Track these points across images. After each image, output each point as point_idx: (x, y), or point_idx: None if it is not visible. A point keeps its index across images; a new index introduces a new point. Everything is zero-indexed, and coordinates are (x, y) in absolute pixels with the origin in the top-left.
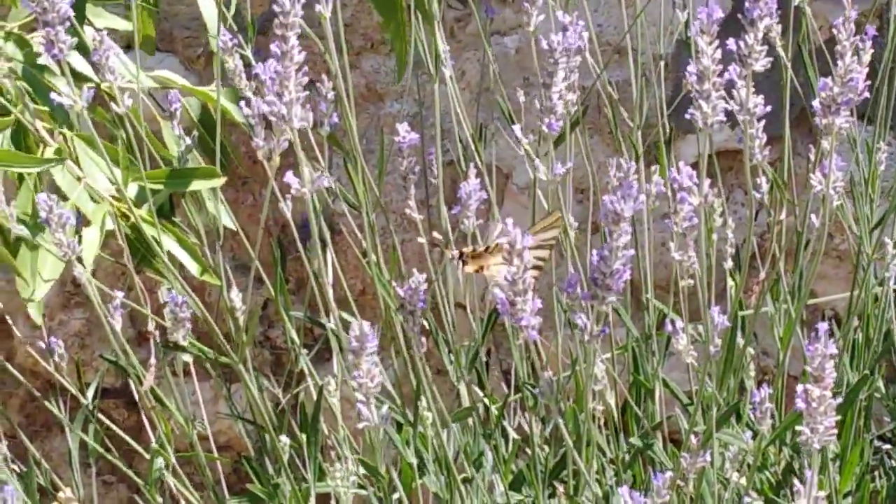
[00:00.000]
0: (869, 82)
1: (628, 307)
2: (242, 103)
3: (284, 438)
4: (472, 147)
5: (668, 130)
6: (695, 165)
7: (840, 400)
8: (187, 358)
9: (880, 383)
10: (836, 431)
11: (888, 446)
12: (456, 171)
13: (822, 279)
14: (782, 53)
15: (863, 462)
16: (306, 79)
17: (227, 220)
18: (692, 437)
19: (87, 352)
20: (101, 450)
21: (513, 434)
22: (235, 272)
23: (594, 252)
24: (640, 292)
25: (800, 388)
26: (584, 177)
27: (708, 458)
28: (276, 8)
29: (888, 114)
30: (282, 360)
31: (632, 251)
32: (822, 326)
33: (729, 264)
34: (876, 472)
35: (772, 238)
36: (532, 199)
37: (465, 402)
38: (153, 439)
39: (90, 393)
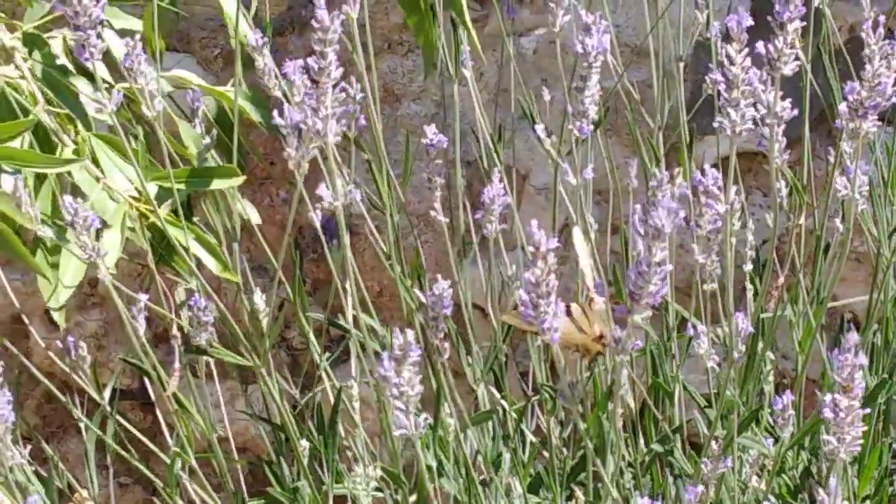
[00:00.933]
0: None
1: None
2: (276, 112)
3: (304, 442)
4: (492, 148)
5: (689, 132)
6: (715, 167)
7: (868, 410)
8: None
9: None
10: (861, 441)
11: None
12: (474, 173)
13: (840, 282)
14: (802, 56)
15: (881, 466)
16: (343, 94)
17: (253, 214)
18: (713, 442)
19: (104, 353)
20: (119, 450)
21: (531, 437)
22: (252, 273)
23: (630, 268)
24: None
25: (827, 397)
26: (602, 178)
27: (729, 463)
28: (314, 24)
29: None
30: (298, 361)
31: (670, 266)
32: (853, 337)
33: (748, 267)
34: (894, 477)
35: (790, 241)
36: (553, 200)
37: (483, 405)
38: (170, 441)
39: (107, 393)
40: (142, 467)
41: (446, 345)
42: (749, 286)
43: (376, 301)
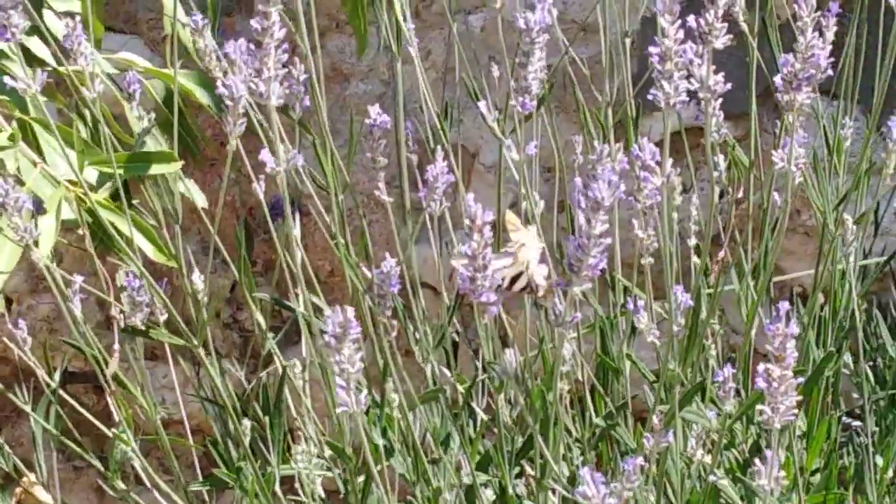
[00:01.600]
0: (833, 59)
1: (595, 286)
2: (219, 83)
3: (246, 421)
4: (438, 126)
5: (635, 107)
6: (661, 143)
7: (802, 379)
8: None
9: (848, 359)
10: (797, 411)
11: (857, 423)
12: (424, 151)
13: (789, 255)
14: (746, 29)
15: (830, 439)
16: (286, 56)
17: (198, 197)
18: (654, 417)
19: (56, 336)
20: (57, 433)
21: (481, 415)
22: (203, 254)
23: (571, 239)
24: (609, 270)
25: (761, 367)
26: (550, 155)
27: (671, 437)
28: None
29: (854, 89)
30: (251, 343)
31: (609, 239)
32: (784, 305)
33: (692, 241)
34: (844, 450)
35: (729, 215)
36: (498, 178)
37: (432, 384)
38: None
39: (56, 377)
40: (84, 451)
41: (394, 322)
42: (695, 259)
43: (328, 281)
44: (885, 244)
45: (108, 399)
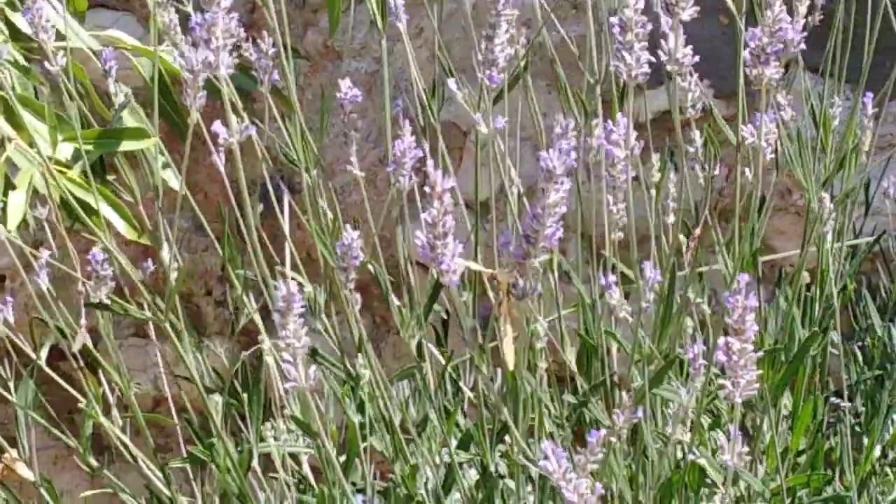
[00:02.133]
0: (805, 34)
1: (579, 267)
2: (175, 55)
3: (217, 397)
4: (426, 104)
5: (622, 87)
6: (653, 121)
7: (761, 353)
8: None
9: (837, 339)
10: (757, 385)
11: (847, 404)
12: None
13: (780, 235)
14: (732, 5)
15: (816, 420)
16: (234, 23)
17: (173, 181)
18: (624, 393)
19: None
20: (28, 409)
21: (469, 393)
22: (195, 232)
23: (526, 211)
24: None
25: (720, 340)
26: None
27: (640, 413)
28: None
29: (842, 67)
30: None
31: (563, 208)
32: (743, 278)
33: (671, 219)
34: (831, 431)
35: (706, 194)
36: (476, 155)
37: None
38: (111, 400)
39: (42, 354)
40: (57, 429)
41: (357, 296)
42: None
43: (319, 259)
44: (876, 224)
45: (101, 375)
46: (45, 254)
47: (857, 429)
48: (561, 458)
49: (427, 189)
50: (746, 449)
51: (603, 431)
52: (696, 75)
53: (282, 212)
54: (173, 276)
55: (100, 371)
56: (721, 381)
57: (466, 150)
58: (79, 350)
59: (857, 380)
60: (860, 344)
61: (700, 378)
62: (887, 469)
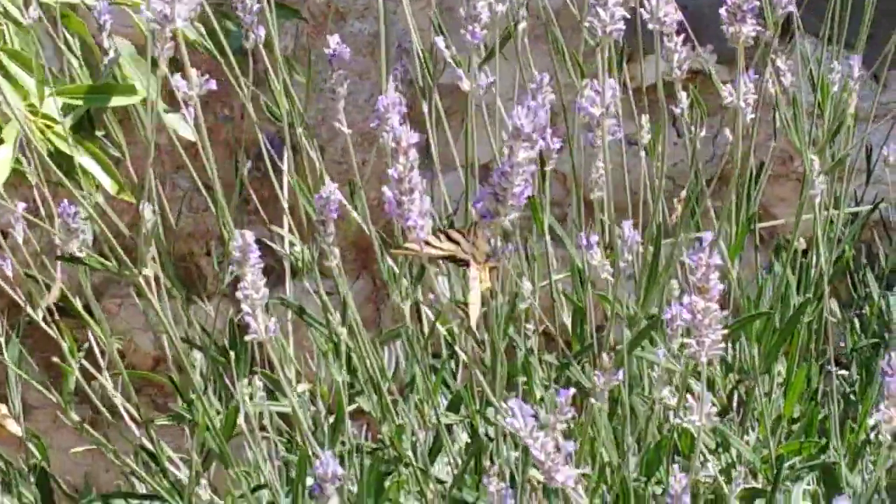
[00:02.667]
0: None
1: (573, 230)
2: (142, 6)
3: (197, 354)
4: (424, 64)
5: (622, 49)
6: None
7: (727, 312)
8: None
9: (835, 306)
10: (723, 345)
11: (844, 371)
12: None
13: (780, 202)
14: None
15: (810, 388)
16: None
17: (185, 129)
18: (604, 355)
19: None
20: (17, 369)
21: (463, 356)
22: (197, 192)
23: (495, 169)
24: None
25: (685, 299)
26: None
27: (620, 376)
28: None
29: (843, 32)
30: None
31: (533, 167)
32: (707, 235)
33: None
34: (826, 399)
35: (692, 159)
36: (470, 115)
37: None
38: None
39: (40, 311)
40: (41, 388)
41: (335, 250)
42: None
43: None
44: (877, 192)
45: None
46: (20, 206)
47: (853, 397)
48: (528, 415)
49: (392, 144)
50: (715, 409)
51: (571, 391)
52: (682, 36)
53: (279, 172)
54: (148, 226)
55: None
56: (686, 340)
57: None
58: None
59: (852, 348)
60: (858, 312)
61: (678, 339)
62: (883, 438)
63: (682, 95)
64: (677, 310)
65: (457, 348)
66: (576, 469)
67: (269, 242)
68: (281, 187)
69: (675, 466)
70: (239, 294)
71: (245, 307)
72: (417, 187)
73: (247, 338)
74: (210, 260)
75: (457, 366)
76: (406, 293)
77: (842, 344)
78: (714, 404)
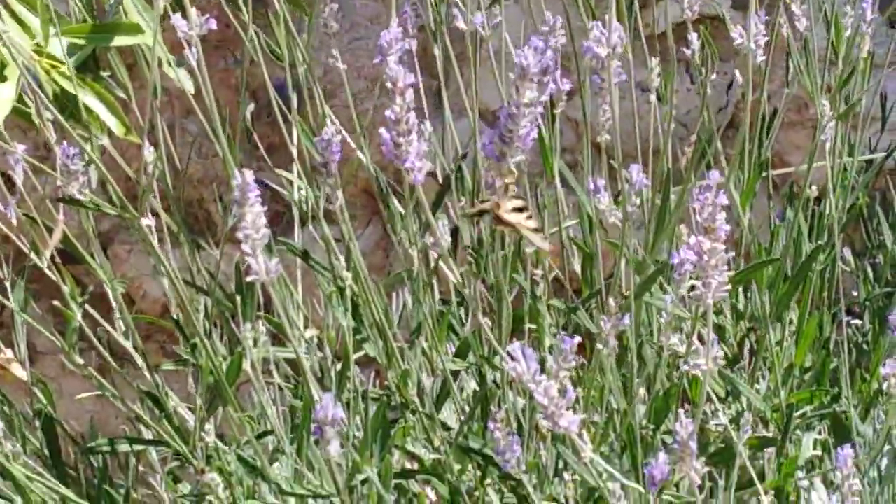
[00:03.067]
0: None
1: (583, 177)
2: None
3: (203, 298)
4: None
5: None
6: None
7: (733, 254)
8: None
9: (848, 255)
10: (729, 287)
11: (857, 321)
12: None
13: (796, 149)
14: None
15: (821, 337)
16: None
17: (186, 82)
18: (611, 300)
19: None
20: (22, 314)
21: (471, 302)
22: (207, 138)
23: (502, 109)
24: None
25: (691, 239)
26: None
27: (626, 320)
28: None
29: None
30: None
31: (540, 108)
32: (714, 175)
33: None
34: (838, 348)
35: (702, 102)
36: (476, 58)
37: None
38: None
39: (47, 255)
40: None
41: (338, 192)
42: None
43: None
44: (892, 140)
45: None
46: (20, 148)
47: (866, 347)
48: (531, 360)
49: (389, 85)
50: (721, 354)
51: (576, 339)
52: None
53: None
54: (149, 169)
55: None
56: (692, 282)
57: (483, 59)
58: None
59: (865, 297)
60: (872, 261)
61: (686, 284)
62: (893, 390)
63: (694, 37)
64: (685, 253)
65: (464, 293)
66: (581, 415)
67: (276, 187)
68: (289, 132)
69: (681, 412)
70: (239, 234)
71: (245, 248)
72: (415, 129)
73: (247, 279)
74: (219, 206)
75: (466, 312)
76: (413, 238)
77: (854, 293)
78: (725, 352)
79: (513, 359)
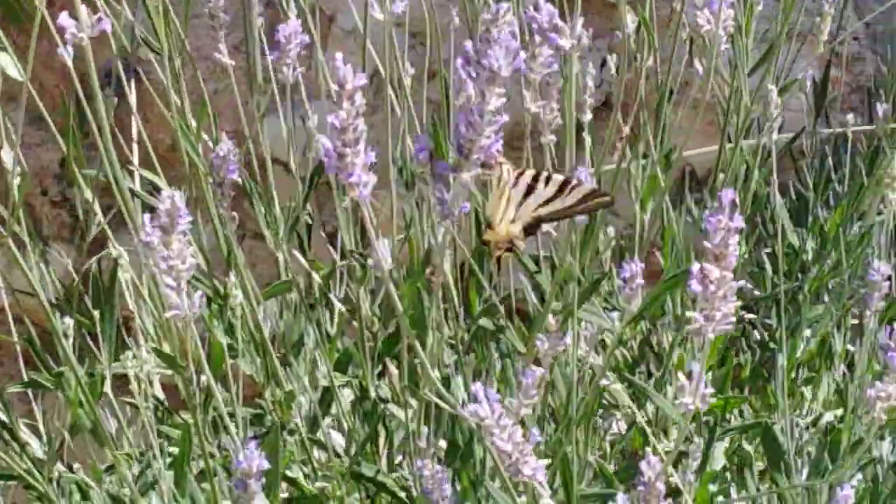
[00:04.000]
0: None
1: None
2: None
3: (68, 320)
4: None
5: None
6: None
7: (743, 282)
8: None
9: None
10: (733, 319)
11: (752, 316)
12: (277, 14)
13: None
14: None
15: (724, 336)
16: None
17: (11, 68)
18: (550, 317)
19: None
20: None
21: (339, 306)
22: (31, 125)
23: (460, 117)
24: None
25: (695, 266)
26: (418, 19)
27: (568, 340)
28: None
29: None
30: (84, 224)
31: (506, 117)
32: (728, 193)
33: (587, 117)
34: (739, 346)
35: (619, 87)
36: (363, 43)
37: (285, 271)
38: None
39: None
40: None
41: (234, 214)
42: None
43: (167, 156)
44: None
45: None
46: None
47: (773, 344)
48: (494, 401)
49: (335, 87)
50: (711, 391)
51: (539, 370)
52: None
53: (128, 103)
54: (15, 181)
55: None
56: (690, 314)
57: (332, 37)
58: None
59: (766, 294)
60: (769, 252)
61: (637, 300)
62: (802, 389)
63: (629, 18)
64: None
65: (332, 297)
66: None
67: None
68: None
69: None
70: (161, 264)
71: (168, 280)
72: (363, 137)
73: (167, 314)
74: (45, 200)
75: (331, 317)
76: (279, 241)
77: (747, 284)
78: (625, 356)
79: (475, 400)
